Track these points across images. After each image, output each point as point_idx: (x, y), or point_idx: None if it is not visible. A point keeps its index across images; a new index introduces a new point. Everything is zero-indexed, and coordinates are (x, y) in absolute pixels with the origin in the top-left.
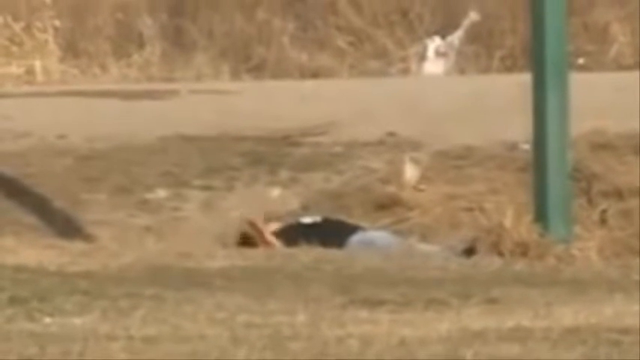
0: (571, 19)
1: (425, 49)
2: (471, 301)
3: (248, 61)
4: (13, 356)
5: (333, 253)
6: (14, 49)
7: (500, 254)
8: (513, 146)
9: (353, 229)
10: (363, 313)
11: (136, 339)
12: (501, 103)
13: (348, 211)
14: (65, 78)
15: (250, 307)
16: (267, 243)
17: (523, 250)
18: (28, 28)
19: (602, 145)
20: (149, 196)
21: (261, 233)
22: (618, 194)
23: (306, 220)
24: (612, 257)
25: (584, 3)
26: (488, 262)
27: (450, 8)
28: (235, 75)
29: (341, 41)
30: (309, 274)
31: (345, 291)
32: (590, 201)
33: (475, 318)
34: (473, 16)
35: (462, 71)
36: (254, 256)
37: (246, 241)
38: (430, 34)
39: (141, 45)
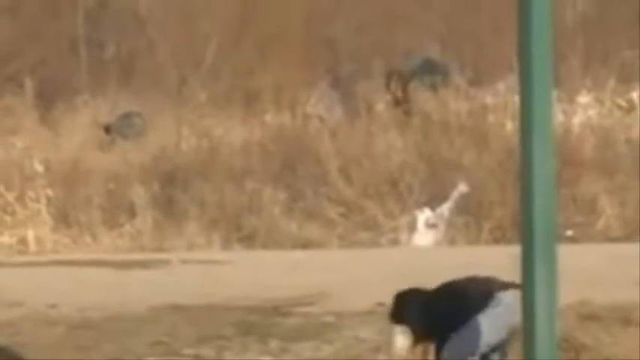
0: (560, 191)
1: (415, 220)
2: None
3: (239, 230)
4: None
5: None
6: (7, 218)
7: None
8: None
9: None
10: None
11: None
12: (491, 274)
13: None
14: (57, 247)
15: None
16: None
17: None
18: (20, 198)
19: (589, 316)
20: None
21: None
22: None
23: None
24: None
25: (573, 175)
26: None
27: (439, 179)
28: (226, 244)
29: (331, 212)
30: None
31: None
32: None
33: None
34: (462, 187)
35: (451, 242)
36: None
37: None
38: (420, 205)
39: (132, 214)
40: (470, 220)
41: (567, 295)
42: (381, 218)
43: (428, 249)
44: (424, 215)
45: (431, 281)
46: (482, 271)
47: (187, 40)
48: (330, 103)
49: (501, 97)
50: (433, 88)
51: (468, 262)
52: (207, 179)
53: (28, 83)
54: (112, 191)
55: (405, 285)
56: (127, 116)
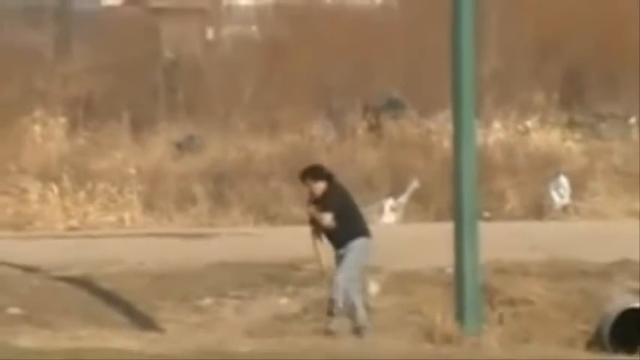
0: (480, 186)
1: (383, 206)
2: None
3: (266, 213)
4: None
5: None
6: (111, 205)
7: (432, 341)
8: (441, 270)
9: None
10: None
11: None
12: (434, 241)
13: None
14: (145, 225)
15: None
16: None
17: (448, 339)
18: (120, 191)
19: (500, 270)
20: (200, 303)
21: None
22: (511, 303)
23: None
24: (507, 345)
25: (489, 175)
26: (422, 348)
27: (399, 179)
28: (257, 223)
29: None
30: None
31: None
32: (492, 307)
33: None
34: (414, 184)
35: (407, 220)
36: (273, 344)
37: None
38: (386, 195)
39: (194, 203)
40: (419, 206)
41: (485, 255)
42: (359, 205)
43: (391, 226)
44: (389, 202)
45: (394, 248)
46: (429, 241)
47: (231, 86)
48: (326, 128)
49: (441, 124)
50: (395, 118)
51: (418, 234)
52: (244, 179)
53: (125, 115)
54: (181, 188)
55: (376, 249)
56: (191, 138)
